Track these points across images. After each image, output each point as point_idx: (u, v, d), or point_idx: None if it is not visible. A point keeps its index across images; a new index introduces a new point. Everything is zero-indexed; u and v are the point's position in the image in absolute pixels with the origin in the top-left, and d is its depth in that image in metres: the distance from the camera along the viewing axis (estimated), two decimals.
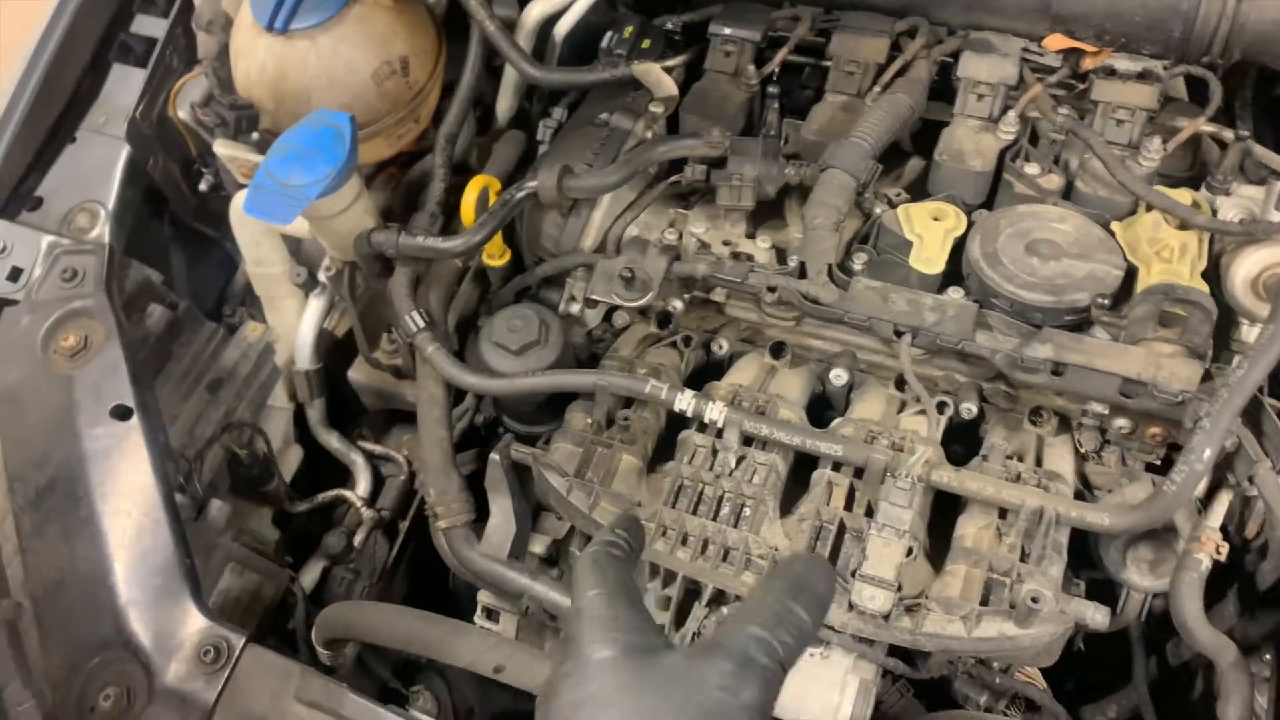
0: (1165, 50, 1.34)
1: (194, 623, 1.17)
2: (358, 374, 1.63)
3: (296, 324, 1.62)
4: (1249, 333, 1.21)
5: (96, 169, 1.50)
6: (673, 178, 1.40)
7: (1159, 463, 1.25)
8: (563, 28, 1.54)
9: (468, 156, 1.63)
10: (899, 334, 1.20)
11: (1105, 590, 1.22)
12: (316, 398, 1.65)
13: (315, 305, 1.61)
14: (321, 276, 1.56)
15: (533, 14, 1.55)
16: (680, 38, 1.61)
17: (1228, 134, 1.30)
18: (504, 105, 1.66)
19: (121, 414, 1.29)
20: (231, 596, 1.34)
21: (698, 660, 0.64)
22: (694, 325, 1.43)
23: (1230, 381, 1.06)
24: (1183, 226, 1.23)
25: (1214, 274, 1.24)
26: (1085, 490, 1.24)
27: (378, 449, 1.68)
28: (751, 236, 1.37)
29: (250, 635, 1.16)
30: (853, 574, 1.12)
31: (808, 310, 1.25)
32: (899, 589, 1.11)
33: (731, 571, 1.16)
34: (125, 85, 1.55)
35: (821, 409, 1.37)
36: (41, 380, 1.31)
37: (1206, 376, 1.11)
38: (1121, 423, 1.22)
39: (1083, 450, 1.27)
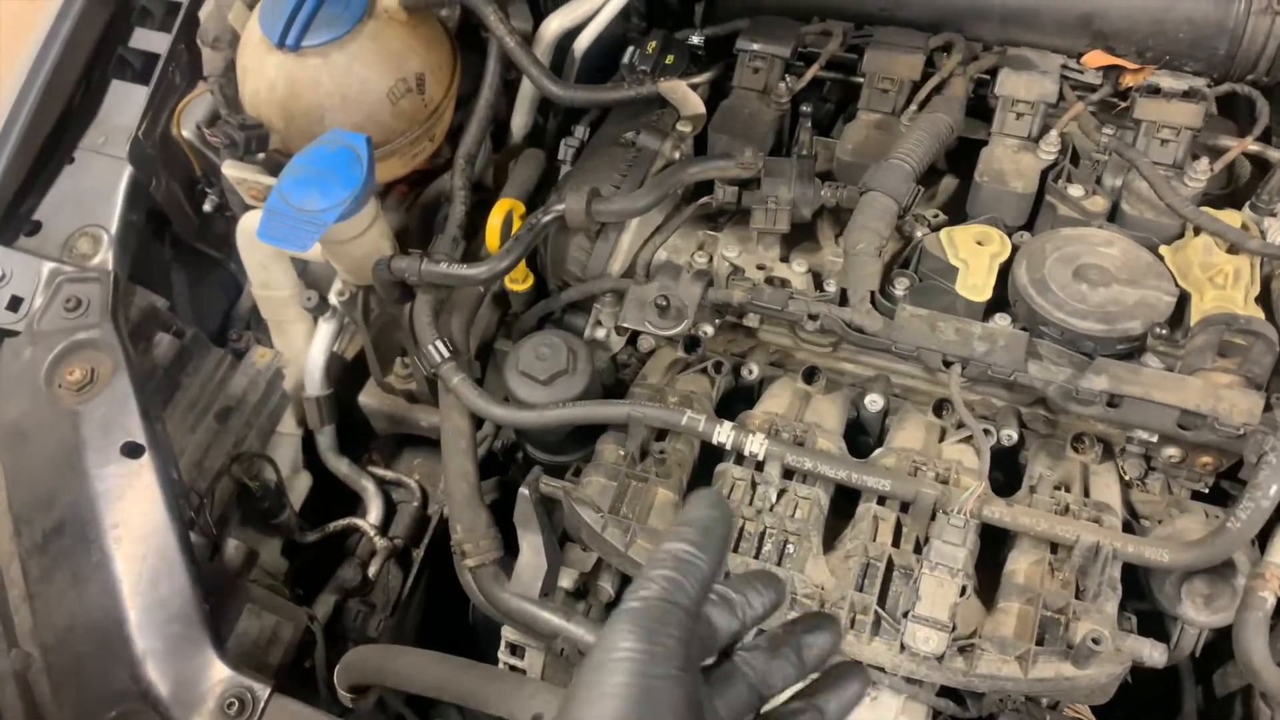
0: (1209, 68, 1.32)
1: (216, 673, 1.12)
2: (369, 399, 1.58)
3: (305, 348, 1.58)
4: None
5: (97, 191, 1.44)
6: (703, 199, 1.35)
7: (1206, 490, 1.22)
8: (583, 42, 1.49)
9: (483, 175, 1.58)
10: (948, 364, 1.16)
11: (1154, 621, 1.19)
12: (327, 424, 1.60)
13: (325, 329, 1.56)
14: (333, 300, 1.51)
15: (551, 27, 1.50)
16: (703, 53, 1.57)
17: (1273, 153, 1.27)
18: (519, 121, 1.61)
19: (132, 451, 1.23)
20: (250, 639, 1.28)
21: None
22: (721, 348, 1.39)
23: None
24: (1233, 250, 1.20)
25: (1265, 298, 1.21)
26: (1131, 520, 1.21)
27: (389, 475, 1.64)
28: (785, 260, 1.33)
29: (275, 685, 1.11)
30: (904, 615, 1.08)
31: (851, 339, 1.21)
32: (953, 629, 1.07)
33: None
34: (125, 103, 1.48)
35: (855, 434, 1.33)
36: (46, 416, 1.25)
37: (1267, 407, 1.08)
38: (1171, 452, 1.19)
39: (1127, 477, 1.24)
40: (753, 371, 1.36)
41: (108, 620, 1.15)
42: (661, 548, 0.64)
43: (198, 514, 1.35)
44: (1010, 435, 1.25)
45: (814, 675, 0.70)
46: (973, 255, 1.21)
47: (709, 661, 0.68)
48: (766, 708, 0.68)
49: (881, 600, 1.12)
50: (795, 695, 0.69)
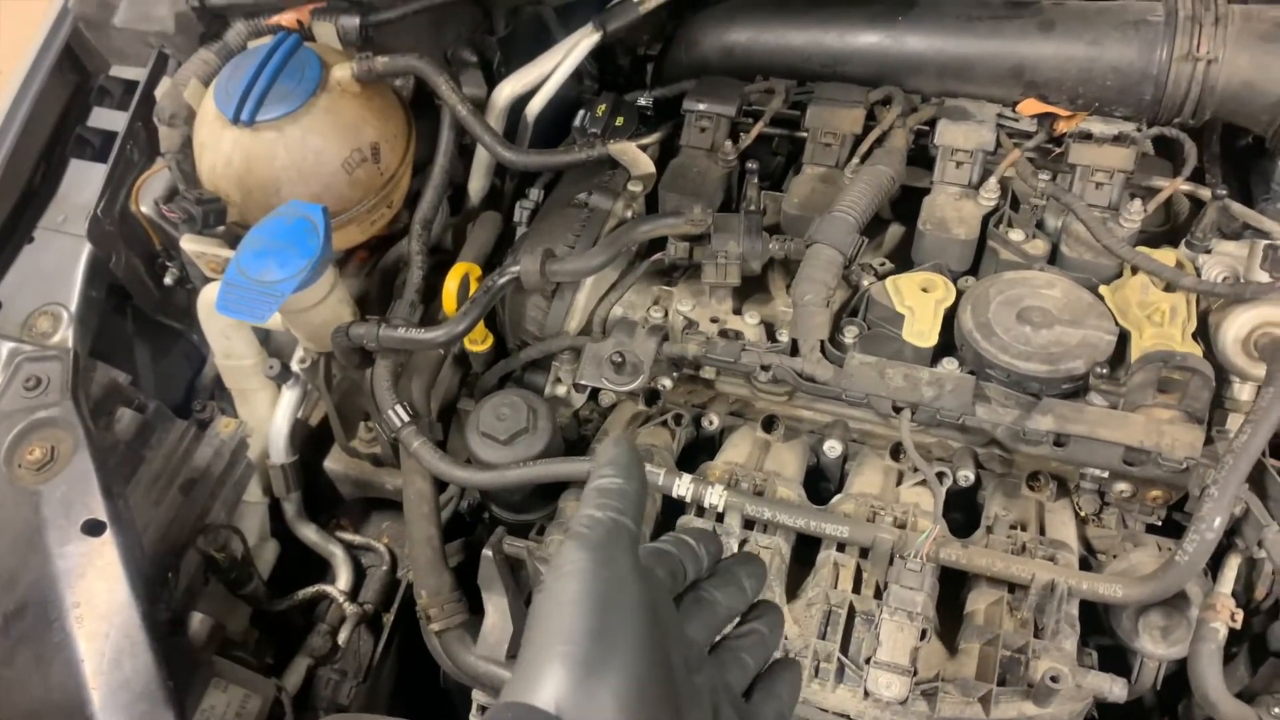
0: (1138, 113, 1.36)
1: None
2: (334, 464, 1.59)
3: (269, 416, 1.58)
4: (1241, 390, 1.21)
5: (57, 269, 1.45)
6: (655, 256, 1.38)
7: (1159, 523, 1.25)
8: (535, 107, 1.52)
9: (442, 239, 1.60)
10: (898, 410, 1.18)
11: (1116, 656, 1.20)
12: (293, 491, 1.60)
13: (289, 397, 1.56)
14: (295, 368, 1.52)
15: (504, 94, 1.54)
16: (653, 113, 1.61)
17: (1204, 192, 1.31)
18: (476, 185, 1.64)
19: (93, 529, 1.23)
20: (217, 714, 1.27)
21: None
22: (682, 400, 1.41)
23: (1234, 447, 1.05)
24: (1169, 288, 1.23)
25: (1202, 332, 1.24)
26: (1088, 555, 1.23)
27: (357, 539, 1.63)
28: (738, 312, 1.35)
29: None
30: (867, 661, 1.09)
31: (803, 388, 1.24)
32: (914, 673, 1.08)
33: None
34: (84, 181, 1.50)
35: (816, 480, 1.35)
36: (7, 497, 1.25)
37: (1207, 441, 1.10)
38: (1122, 487, 1.21)
39: (1083, 514, 1.26)
40: (713, 422, 1.38)
41: (71, 702, 1.14)
42: (590, 487, 0.68)
43: (163, 589, 1.34)
44: (967, 476, 1.27)
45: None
46: (918, 302, 1.24)
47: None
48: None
49: (844, 647, 1.13)
50: (740, 623, 0.75)
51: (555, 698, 0.55)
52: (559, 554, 0.63)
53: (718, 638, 0.73)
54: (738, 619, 0.75)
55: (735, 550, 1.19)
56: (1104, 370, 1.14)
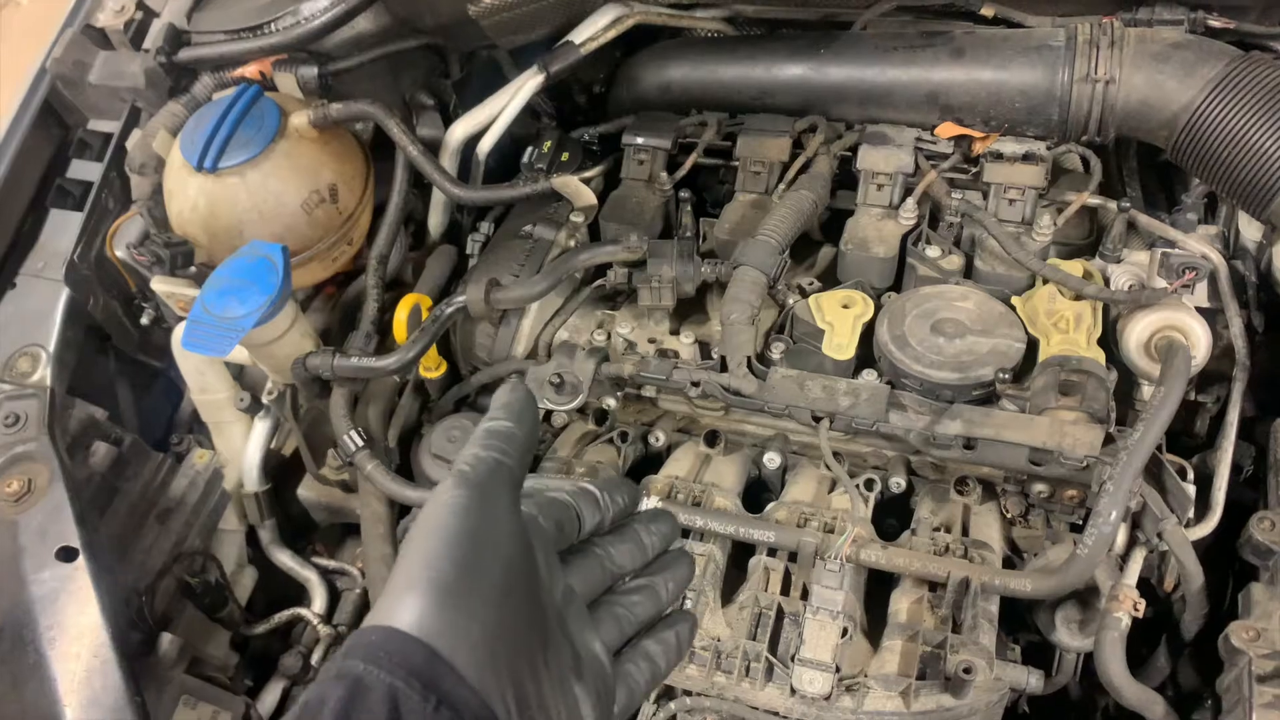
0: (1048, 132, 1.43)
1: None
2: (307, 491, 1.65)
3: (244, 447, 1.65)
4: (1148, 392, 1.27)
5: (36, 313, 1.54)
6: (597, 282, 1.45)
7: (1081, 522, 1.30)
8: (484, 146, 1.61)
9: (402, 273, 1.68)
10: (817, 419, 1.25)
11: (1044, 651, 1.25)
12: (267, 519, 1.67)
13: (260, 428, 1.64)
14: (265, 399, 1.59)
15: (456, 134, 1.62)
16: (597, 148, 1.69)
17: (1112, 204, 1.37)
18: (435, 221, 1.72)
19: (67, 556, 1.30)
20: None
21: None
22: (631, 419, 1.48)
23: (1128, 444, 1.11)
24: (1077, 297, 1.30)
25: (1112, 338, 1.30)
26: (1014, 555, 1.28)
27: (331, 564, 1.70)
28: (676, 333, 1.42)
29: None
30: (792, 658, 1.15)
31: (730, 402, 1.30)
32: (837, 670, 1.14)
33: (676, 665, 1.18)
34: (63, 229, 1.59)
35: (759, 492, 1.41)
36: None
37: (1109, 440, 1.16)
38: (1040, 487, 1.27)
39: (1009, 515, 1.31)
40: (659, 439, 1.44)
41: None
42: (480, 427, 0.68)
43: (138, 614, 1.41)
44: (899, 483, 1.33)
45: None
46: (838, 318, 1.31)
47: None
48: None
49: (773, 647, 1.18)
50: (635, 576, 0.75)
51: (418, 621, 0.56)
52: (439, 489, 0.62)
53: (606, 591, 0.73)
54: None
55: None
56: (1006, 376, 1.21)
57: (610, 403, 1.43)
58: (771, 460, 1.37)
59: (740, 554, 1.29)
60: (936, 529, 1.26)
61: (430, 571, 0.58)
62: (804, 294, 1.39)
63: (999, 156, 1.41)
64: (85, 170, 1.64)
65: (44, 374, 1.48)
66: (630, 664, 0.71)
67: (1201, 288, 1.33)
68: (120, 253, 1.58)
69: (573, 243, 1.52)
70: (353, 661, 0.55)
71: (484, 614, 0.58)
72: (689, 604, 1.22)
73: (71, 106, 1.66)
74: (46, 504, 1.34)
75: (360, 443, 1.35)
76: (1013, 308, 1.31)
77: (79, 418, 1.50)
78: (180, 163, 1.48)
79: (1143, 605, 1.12)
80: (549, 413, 1.48)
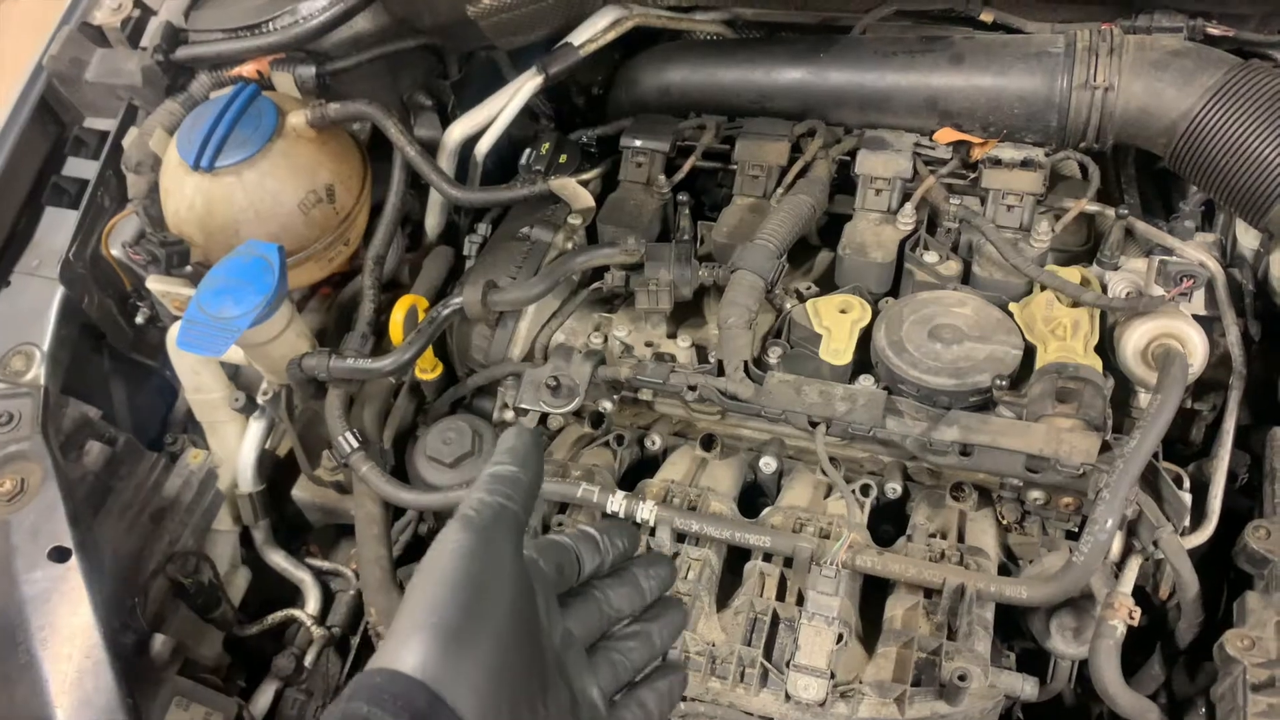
0: (1046, 138, 1.43)
1: None
2: (302, 492, 1.65)
3: (238, 448, 1.64)
4: (1144, 400, 1.27)
5: (31, 311, 1.53)
6: (594, 285, 1.45)
7: (1077, 530, 1.30)
8: (482, 148, 1.60)
9: (398, 274, 1.68)
10: (813, 424, 1.25)
11: (1039, 659, 1.25)
12: (261, 519, 1.66)
13: (255, 428, 1.63)
14: (260, 400, 1.59)
15: (454, 135, 1.62)
16: (595, 150, 1.69)
17: (1110, 211, 1.37)
18: (432, 222, 1.72)
19: (60, 556, 1.29)
20: None
21: None
22: (627, 423, 1.47)
23: (1125, 452, 1.11)
24: (1075, 304, 1.30)
25: (1110, 345, 1.30)
26: (1009, 562, 1.28)
27: (326, 565, 1.69)
28: (673, 336, 1.42)
29: None
30: (787, 664, 1.15)
31: (727, 406, 1.30)
32: (832, 676, 1.13)
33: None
34: (58, 227, 1.58)
35: (755, 496, 1.41)
36: None
37: (1105, 447, 1.16)
38: (1036, 494, 1.26)
39: (1005, 522, 1.31)
40: (655, 442, 1.44)
41: None
42: (485, 472, 0.70)
43: (131, 614, 1.41)
44: (895, 489, 1.33)
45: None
46: (835, 323, 1.31)
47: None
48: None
49: (768, 653, 1.18)
50: (630, 623, 0.77)
51: (421, 665, 0.57)
52: (443, 533, 0.64)
53: (603, 635, 0.75)
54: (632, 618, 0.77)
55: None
56: (1003, 383, 1.20)
57: (607, 406, 1.43)
58: (767, 465, 1.37)
59: (735, 559, 1.29)
60: (932, 535, 1.26)
61: (434, 616, 0.59)
62: (801, 298, 1.39)
63: (997, 162, 1.41)
64: (81, 168, 1.63)
65: (38, 373, 1.48)
66: (625, 711, 0.73)
67: (1198, 296, 1.33)
68: (116, 251, 1.58)
69: (570, 245, 1.51)
70: (357, 704, 0.56)
71: (486, 658, 0.60)
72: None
73: (68, 104, 1.66)
74: (39, 503, 1.33)
75: (355, 444, 1.35)
76: (1010, 314, 1.31)
77: (73, 417, 1.49)
78: (177, 161, 1.48)
79: (1138, 613, 1.12)
80: (545, 415, 1.48)
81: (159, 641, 1.36)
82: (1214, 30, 1.42)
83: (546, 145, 1.62)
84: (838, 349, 1.29)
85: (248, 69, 1.57)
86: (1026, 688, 1.13)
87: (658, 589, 0.78)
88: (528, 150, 1.65)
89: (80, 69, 1.61)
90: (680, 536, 1.27)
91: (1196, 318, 1.29)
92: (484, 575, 0.62)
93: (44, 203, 1.62)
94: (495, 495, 0.67)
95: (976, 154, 1.43)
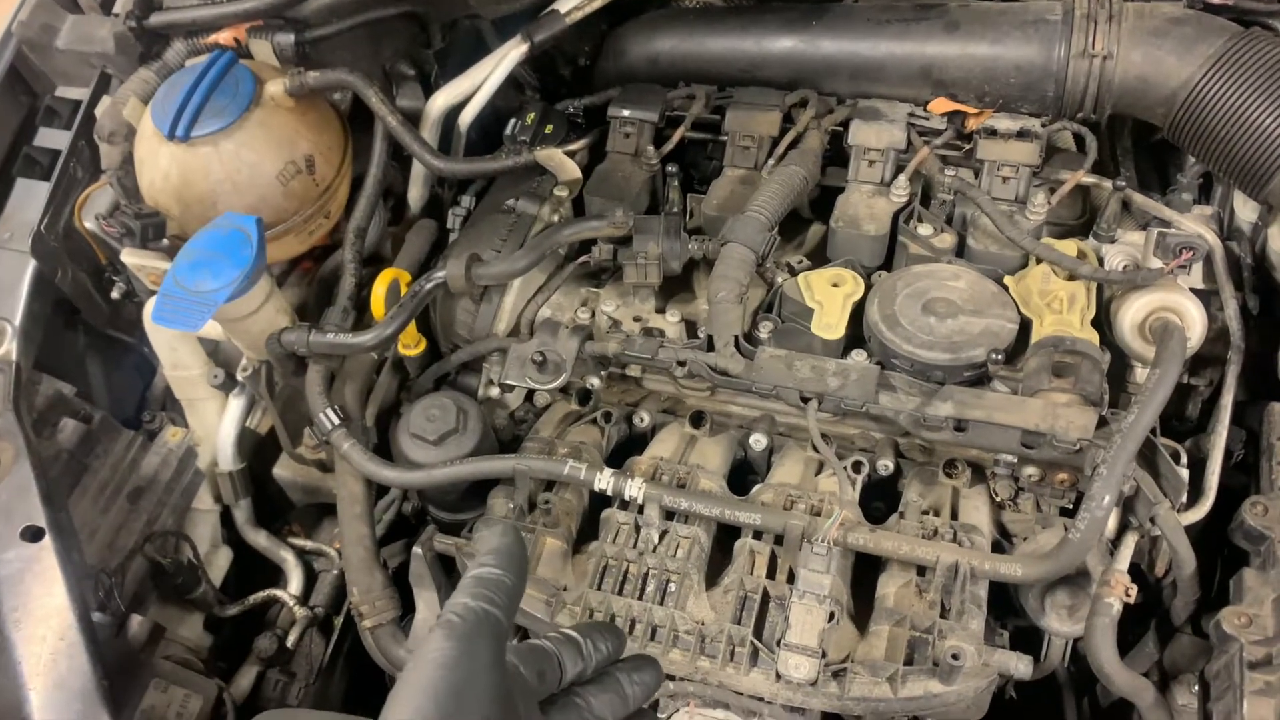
0: (1042, 108, 1.40)
1: None
2: (283, 470, 1.62)
3: (217, 425, 1.61)
4: (1141, 374, 1.25)
5: (2, 285, 1.48)
6: (581, 258, 1.42)
7: (1071, 506, 1.28)
8: (466, 118, 1.57)
9: (381, 247, 1.64)
10: (805, 400, 1.22)
11: (1032, 636, 1.23)
12: (242, 498, 1.64)
13: (235, 405, 1.60)
14: (239, 376, 1.55)
15: (437, 104, 1.58)
16: (582, 120, 1.65)
17: (1107, 184, 1.35)
18: (415, 194, 1.68)
19: (33, 535, 1.26)
20: (156, 715, 1.30)
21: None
22: (615, 399, 1.45)
23: (1122, 428, 1.09)
24: (1071, 277, 1.27)
25: (1106, 319, 1.28)
26: (1003, 539, 1.26)
27: (308, 544, 1.67)
28: (661, 311, 1.39)
29: None
30: (778, 643, 1.13)
31: (717, 382, 1.27)
32: (824, 655, 1.12)
33: (659, 650, 1.16)
34: (29, 199, 1.54)
35: (745, 474, 1.38)
36: None
37: (1102, 422, 1.14)
38: (1031, 470, 1.25)
39: (999, 499, 1.29)
40: (644, 419, 1.42)
41: (10, 703, 1.17)
42: (469, 574, 0.71)
43: (108, 595, 1.38)
44: (886, 465, 1.30)
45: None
46: (827, 296, 1.28)
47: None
48: None
49: (758, 631, 1.16)
50: None
51: None
52: (427, 639, 0.66)
53: None
54: None
55: (656, 543, 1.23)
56: (999, 357, 1.18)
57: (594, 382, 1.40)
58: (757, 442, 1.35)
59: (725, 537, 1.27)
60: (925, 512, 1.25)
61: None
62: (793, 272, 1.36)
63: (993, 133, 1.39)
64: (53, 138, 1.59)
65: (9, 348, 1.43)
66: None
67: (1195, 269, 1.31)
68: (89, 224, 1.53)
69: (556, 218, 1.48)
70: None
71: None
72: (673, 587, 1.20)
73: (39, 72, 1.61)
74: (11, 482, 1.30)
75: (337, 421, 1.32)
76: (1005, 288, 1.29)
77: (46, 393, 1.46)
78: (151, 131, 1.43)
79: (1134, 591, 1.10)
80: (532, 391, 1.45)
81: (136, 623, 1.34)
82: None
83: (532, 115, 1.58)
84: (830, 323, 1.26)
85: (224, 36, 1.53)
86: (1021, 666, 1.12)
87: (642, 696, 0.78)
88: (513, 120, 1.61)
89: (51, 36, 1.55)
90: (669, 514, 1.25)
91: (1194, 291, 1.26)
92: (464, 686, 0.64)
93: (15, 174, 1.57)
94: (479, 600, 0.69)
95: (972, 124, 1.40)
